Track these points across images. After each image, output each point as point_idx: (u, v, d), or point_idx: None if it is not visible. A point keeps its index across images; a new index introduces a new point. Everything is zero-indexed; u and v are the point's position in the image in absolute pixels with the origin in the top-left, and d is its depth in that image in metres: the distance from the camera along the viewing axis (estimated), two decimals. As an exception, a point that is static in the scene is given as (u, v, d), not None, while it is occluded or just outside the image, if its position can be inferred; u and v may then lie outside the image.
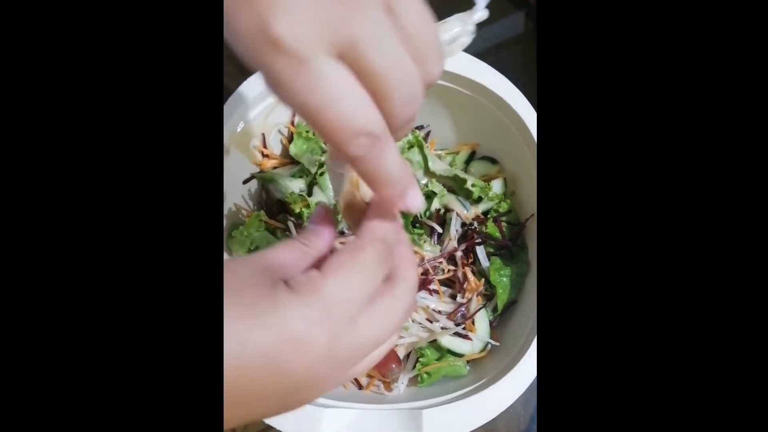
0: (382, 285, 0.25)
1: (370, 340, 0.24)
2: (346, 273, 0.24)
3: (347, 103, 0.21)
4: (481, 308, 0.48)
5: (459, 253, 0.50)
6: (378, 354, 0.27)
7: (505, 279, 0.48)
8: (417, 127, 0.55)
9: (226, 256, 0.50)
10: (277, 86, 0.21)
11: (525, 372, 0.40)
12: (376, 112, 0.22)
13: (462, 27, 0.35)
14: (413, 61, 0.22)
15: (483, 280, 0.50)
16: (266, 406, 0.24)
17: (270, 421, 0.41)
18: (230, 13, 0.20)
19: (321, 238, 0.27)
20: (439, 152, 0.56)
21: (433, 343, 0.48)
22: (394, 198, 0.26)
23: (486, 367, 0.46)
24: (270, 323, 0.22)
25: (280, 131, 0.53)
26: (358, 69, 0.21)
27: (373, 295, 0.24)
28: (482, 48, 0.62)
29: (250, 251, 0.50)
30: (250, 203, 0.53)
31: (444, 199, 0.51)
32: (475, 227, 0.51)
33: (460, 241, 0.51)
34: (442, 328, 0.47)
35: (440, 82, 0.45)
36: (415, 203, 0.26)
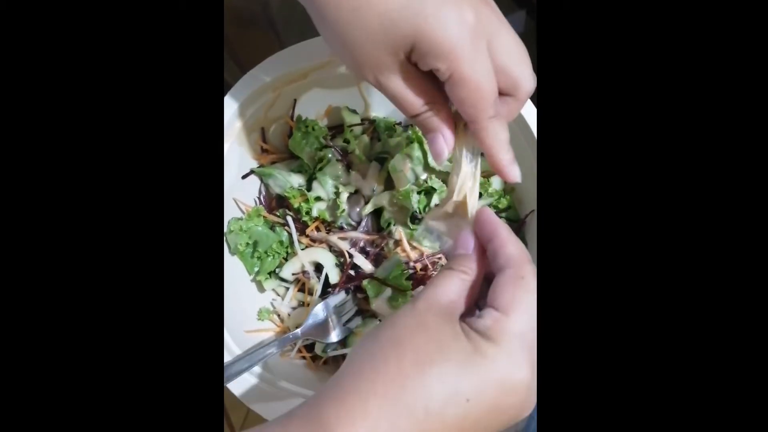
0: None
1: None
2: (524, 307, 0.26)
3: (492, 75, 0.29)
4: (480, 304, 0.48)
5: (458, 249, 0.49)
6: None
7: (504, 275, 0.48)
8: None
9: (227, 257, 0.50)
10: (456, 50, 0.27)
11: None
12: None
13: None
14: None
15: (482, 276, 0.49)
16: None
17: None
18: (435, 6, 0.27)
19: (475, 262, 0.29)
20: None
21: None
22: (508, 165, 0.31)
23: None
24: (487, 377, 0.25)
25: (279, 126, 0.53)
26: (494, 47, 0.29)
27: None
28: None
29: (248, 246, 0.49)
30: (250, 198, 0.53)
31: (444, 195, 0.51)
32: (475, 223, 0.50)
33: (459, 237, 0.50)
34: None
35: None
36: (518, 173, 0.31)
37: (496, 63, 0.29)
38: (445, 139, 0.31)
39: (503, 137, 0.30)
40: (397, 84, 0.30)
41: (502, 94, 0.31)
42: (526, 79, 0.30)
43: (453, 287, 0.28)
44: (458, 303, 0.28)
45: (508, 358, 0.25)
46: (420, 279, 0.48)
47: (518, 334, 0.26)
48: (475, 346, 0.25)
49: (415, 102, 0.30)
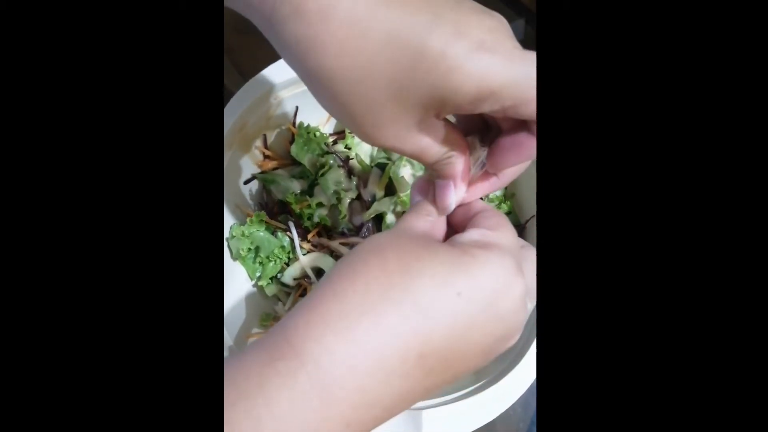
0: None
1: (532, 290, 0.25)
2: (507, 228, 0.26)
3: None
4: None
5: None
6: None
7: (504, 280, 0.49)
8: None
9: (227, 256, 0.50)
10: (508, 83, 0.23)
11: (524, 373, 0.40)
12: None
13: None
14: None
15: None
16: (478, 360, 0.24)
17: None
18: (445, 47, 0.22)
19: (434, 207, 0.28)
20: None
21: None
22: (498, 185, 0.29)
23: (486, 368, 0.46)
24: (480, 273, 0.23)
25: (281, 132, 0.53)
26: None
27: None
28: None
29: (250, 251, 0.50)
30: (252, 203, 0.53)
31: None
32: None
33: (460, 242, 0.50)
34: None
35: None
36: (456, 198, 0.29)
37: None
38: (456, 190, 0.27)
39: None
40: (417, 141, 0.25)
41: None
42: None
43: (421, 223, 0.26)
44: (431, 234, 0.26)
45: (500, 261, 0.23)
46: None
47: (507, 246, 0.24)
48: (464, 249, 0.23)
49: (439, 152, 0.26)
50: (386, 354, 0.21)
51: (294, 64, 0.25)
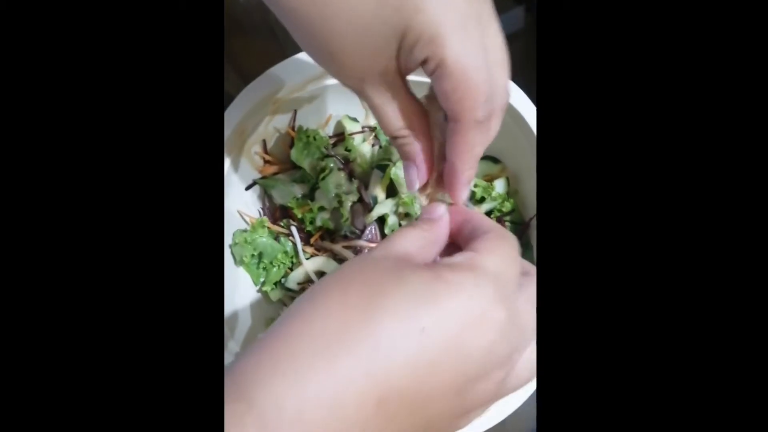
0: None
1: (530, 327, 0.23)
2: (505, 253, 0.24)
3: (486, 68, 0.25)
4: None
5: (463, 254, 0.49)
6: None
7: (510, 279, 0.48)
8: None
9: (227, 260, 0.50)
10: (442, 33, 0.24)
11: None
12: None
13: None
14: None
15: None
16: (451, 402, 0.21)
17: None
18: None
19: (440, 227, 0.26)
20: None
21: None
22: (463, 184, 0.28)
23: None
24: (450, 306, 0.21)
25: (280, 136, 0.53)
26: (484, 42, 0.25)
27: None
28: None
29: (253, 257, 0.50)
30: (253, 209, 0.53)
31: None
32: (479, 227, 0.50)
33: (464, 241, 0.50)
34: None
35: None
36: (464, 199, 0.29)
37: None
38: (418, 172, 0.29)
39: (478, 151, 0.27)
40: (379, 96, 0.27)
41: None
42: (503, 88, 0.27)
43: (411, 240, 0.25)
44: (416, 256, 0.24)
45: (476, 289, 0.21)
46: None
47: (493, 272, 0.22)
48: (438, 273, 0.21)
49: (394, 122, 0.28)
50: (340, 402, 0.19)
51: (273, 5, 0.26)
